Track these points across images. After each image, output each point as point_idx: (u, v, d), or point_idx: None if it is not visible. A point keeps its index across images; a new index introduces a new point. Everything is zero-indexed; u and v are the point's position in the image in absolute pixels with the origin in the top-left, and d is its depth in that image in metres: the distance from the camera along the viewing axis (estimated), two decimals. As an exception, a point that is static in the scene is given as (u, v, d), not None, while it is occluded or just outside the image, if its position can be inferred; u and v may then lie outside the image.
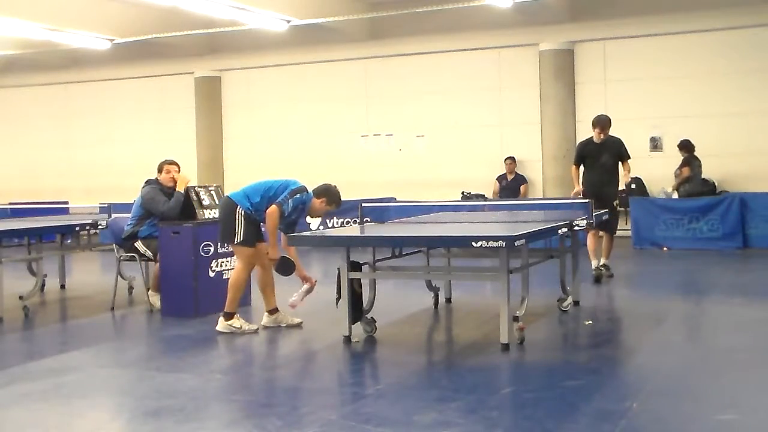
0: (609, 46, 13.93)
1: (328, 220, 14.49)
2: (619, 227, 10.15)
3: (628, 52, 13.80)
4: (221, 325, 6.91)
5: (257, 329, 6.97)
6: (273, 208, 6.72)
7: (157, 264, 8.02)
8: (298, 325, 7.12)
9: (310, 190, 6.99)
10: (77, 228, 8.94)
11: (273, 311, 7.17)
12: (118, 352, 6.74)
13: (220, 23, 13.89)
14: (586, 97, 13.91)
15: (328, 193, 7.03)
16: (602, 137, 9.36)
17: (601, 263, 9.33)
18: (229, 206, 6.92)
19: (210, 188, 8.39)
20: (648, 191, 13.45)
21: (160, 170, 8.34)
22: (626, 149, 9.46)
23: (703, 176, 12.91)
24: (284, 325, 7.12)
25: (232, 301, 6.93)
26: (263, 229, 6.96)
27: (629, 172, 9.46)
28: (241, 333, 6.85)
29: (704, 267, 10.92)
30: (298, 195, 6.87)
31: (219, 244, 7.72)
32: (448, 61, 14.99)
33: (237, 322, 6.92)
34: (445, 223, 7.91)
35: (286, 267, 6.98)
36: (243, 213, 6.83)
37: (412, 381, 5.48)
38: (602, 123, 9.39)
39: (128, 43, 14.64)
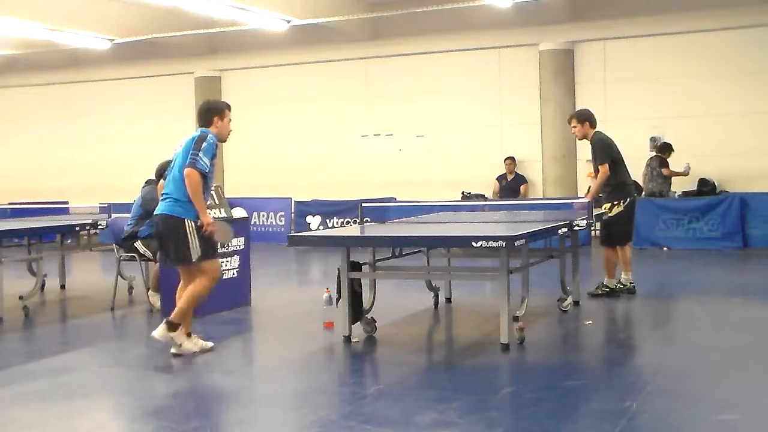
0: (609, 46, 13.93)
1: (328, 220, 14.51)
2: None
3: (628, 52, 13.80)
4: (161, 332, 6.03)
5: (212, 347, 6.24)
6: (189, 172, 5.83)
7: (157, 264, 8.02)
8: (211, 349, 6.31)
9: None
10: (77, 228, 8.95)
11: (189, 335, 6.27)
12: (118, 352, 6.74)
13: (220, 23, 13.89)
14: (586, 97, 13.89)
15: (213, 109, 6.16)
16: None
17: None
18: (172, 223, 5.96)
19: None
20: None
21: None
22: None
23: (703, 176, 12.95)
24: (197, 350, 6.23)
25: (184, 314, 6.09)
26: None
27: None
28: (178, 351, 6.06)
29: (704, 267, 10.92)
30: (204, 143, 5.91)
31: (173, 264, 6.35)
32: (448, 61, 14.99)
33: (181, 337, 6.07)
34: (445, 223, 7.91)
35: (226, 230, 6.33)
36: (193, 225, 5.97)
37: (412, 381, 5.48)
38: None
39: (128, 43, 14.65)
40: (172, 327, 6.00)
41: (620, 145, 8.49)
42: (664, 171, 12.80)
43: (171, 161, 6.20)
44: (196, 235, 5.96)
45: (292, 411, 4.90)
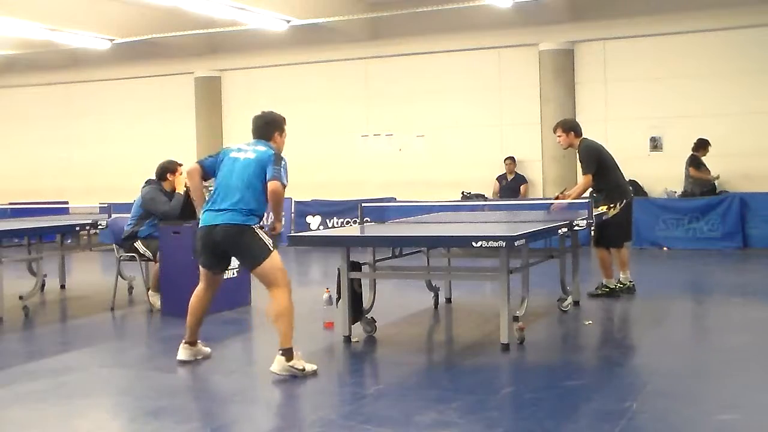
0: (609, 46, 13.92)
1: (328, 220, 14.51)
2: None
3: (628, 52, 13.80)
4: (280, 365, 5.52)
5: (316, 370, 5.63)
6: (277, 185, 5.70)
7: (157, 264, 8.02)
8: (209, 356, 6.16)
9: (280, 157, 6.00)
10: (77, 228, 8.95)
11: (194, 343, 6.05)
12: (118, 352, 6.75)
13: (220, 23, 13.88)
14: (586, 97, 13.91)
15: (274, 123, 6.10)
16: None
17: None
18: (236, 232, 5.65)
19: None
20: (647, 191, 13.43)
21: (173, 171, 8.30)
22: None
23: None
24: (200, 357, 6.08)
25: (287, 335, 5.55)
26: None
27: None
28: (303, 376, 5.51)
29: (704, 267, 10.92)
30: (283, 161, 5.87)
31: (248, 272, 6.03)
32: (448, 61, 14.99)
33: (299, 362, 5.57)
34: (445, 223, 7.91)
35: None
36: (257, 228, 5.72)
37: (412, 381, 5.48)
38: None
39: (128, 43, 14.64)
40: (288, 354, 5.50)
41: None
42: (691, 171, 12.68)
43: (206, 159, 6.18)
44: (262, 233, 5.73)
45: (292, 411, 4.90)
